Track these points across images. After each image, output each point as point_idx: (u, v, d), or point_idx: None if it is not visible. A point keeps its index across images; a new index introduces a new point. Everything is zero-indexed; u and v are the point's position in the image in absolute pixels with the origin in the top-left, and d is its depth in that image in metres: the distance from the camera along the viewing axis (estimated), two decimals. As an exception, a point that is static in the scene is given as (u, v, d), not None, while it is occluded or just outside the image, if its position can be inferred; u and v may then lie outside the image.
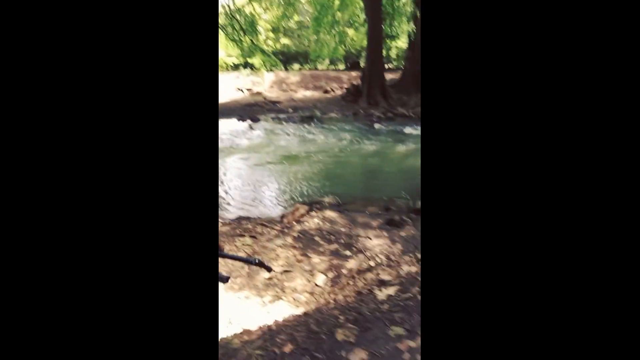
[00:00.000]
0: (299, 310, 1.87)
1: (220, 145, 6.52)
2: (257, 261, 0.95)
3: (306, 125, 7.93)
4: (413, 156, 5.32)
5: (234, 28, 9.13)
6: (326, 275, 2.26)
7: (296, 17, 13.73)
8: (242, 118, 8.70)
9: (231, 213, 3.57)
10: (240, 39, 9.24)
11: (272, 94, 11.99)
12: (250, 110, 9.68)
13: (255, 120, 8.55)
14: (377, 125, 8.04)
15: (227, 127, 7.95)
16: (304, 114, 9.01)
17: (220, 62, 14.20)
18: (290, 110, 9.70)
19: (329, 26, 10.35)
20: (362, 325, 1.57)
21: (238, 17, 9.11)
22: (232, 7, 9.06)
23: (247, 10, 10.15)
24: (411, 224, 2.98)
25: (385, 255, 2.47)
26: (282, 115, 9.04)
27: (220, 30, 10.21)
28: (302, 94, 11.98)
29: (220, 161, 5.53)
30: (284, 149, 6.13)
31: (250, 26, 9.41)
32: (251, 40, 9.23)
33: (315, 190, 4.20)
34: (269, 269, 1.00)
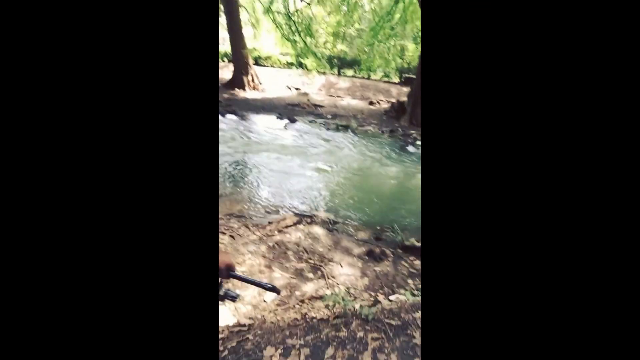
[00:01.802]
0: (232, 319, 1.90)
1: (250, 139, 6.77)
2: (270, 287, 0.94)
3: (339, 135, 7.93)
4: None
5: (290, 28, 9.39)
6: (277, 294, 2.27)
7: (357, 25, 13.74)
8: (281, 116, 8.93)
9: (227, 208, 3.70)
10: (294, 39, 9.48)
11: (318, 97, 12.14)
12: (292, 110, 9.89)
13: (292, 120, 8.73)
14: (411, 148, 7.80)
15: (264, 123, 8.22)
16: (341, 122, 9.01)
17: (274, 58, 14.69)
18: (329, 116, 9.75)
19: (385, 38, 10.22)
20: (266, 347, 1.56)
21: (296, 18, 9.35)
22: (291, 7, 9.33)
23: (307, 12, 10.37)
24: (391, 259, 2.87)
25: (345, 287, 2.41)
26: (319, 120, 9.12)
27: (276, 28, 10.57)
28: (347, 101, 11.97)
29: (244, 155, 5.75)
30: (307, 155, 6.19)
31: (307, 29, 9.61)
32: (305, 42, 9.42)
33: (316, 202, 4.20)
34: (278, 292, 1.00)
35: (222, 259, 0.96)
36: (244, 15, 12.82)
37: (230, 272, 0.96)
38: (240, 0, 11.89)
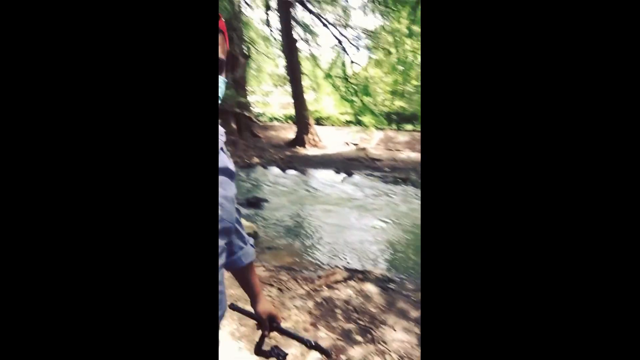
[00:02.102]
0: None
1: (309, 192, 6.95)
2: (313, 344, 0.89)
3: (398, 187, 7.73)
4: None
5: (348, 90, 10.00)
6: (321, 356, 2.07)
7: (415, 82, 14.11)
8: (338, 170, 9.13)
9: (280, 260, 3.69)
10: (352, 99, 10.02)
11: (377, 151, 12.26)
12: (350, 164, 10.07)
13: (349, 174, 8.84)
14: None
15: (322, 177, 8.45)
16: (399, 175, 8.84)
17: (334, 118, 15.54)
18: (387, 169, 9.67)
19: (443, 93, 10.22)
20: None
21: (354, 80, 9.98)
22: (349, 71, 10.03)
23: (365, 74, 11.02)
24: (455, 326, 2.48)
25: (398, 355, 2.11)
26: (377, 173, 9.08)
27: (335, 91, 11.35)
28: (407, 154, 11.84)
29: (301, 208, 5.87)
30: (364, 208, 6.08)
31: (364, 89, 10.13)
32: (362, 102, 9.88)
33: (371, 258, 3.97)
34: (328, 354, 0.94)
35: (266, 309, 0.94)
36: (306, 82, 14.14)
37: (274, 324, 0.92)
38: (303, 68, 13.23)
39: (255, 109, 17.59)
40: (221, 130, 0.77)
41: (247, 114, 12.94)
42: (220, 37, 0.65)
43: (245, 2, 13.27)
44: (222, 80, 0.67)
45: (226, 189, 0.74)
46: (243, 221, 0.92)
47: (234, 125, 11.87)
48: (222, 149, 0.77)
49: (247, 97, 14.34)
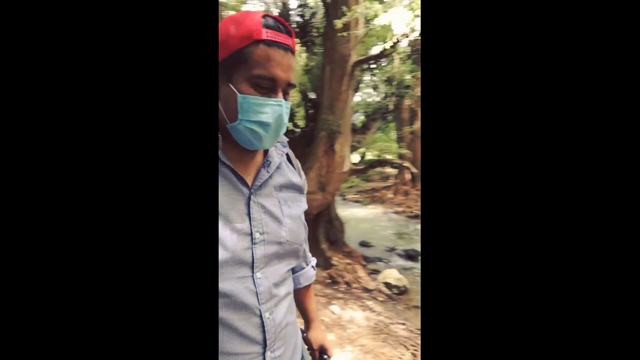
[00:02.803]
0: None
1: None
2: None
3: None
4: None
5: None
6: None
7: None
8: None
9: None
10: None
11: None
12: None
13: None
14: None
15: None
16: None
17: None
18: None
19: None
20: None
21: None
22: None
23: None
24: None
25: None
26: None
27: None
28: None
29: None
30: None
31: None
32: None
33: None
34: None
35: (319, 338, 0.90)
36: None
37: (324, 357, 0.88)
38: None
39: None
40: (283, 140, 0.72)
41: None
42: (290, 58, 0.59)
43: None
44: (285, 104, 0.60)
45: (291, 206, 0.68)
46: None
47: (407, 176, 12.09)
48: (286, 162, 0.73)
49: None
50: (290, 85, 0.60)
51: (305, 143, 4.08)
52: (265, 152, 0.68)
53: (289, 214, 0.67)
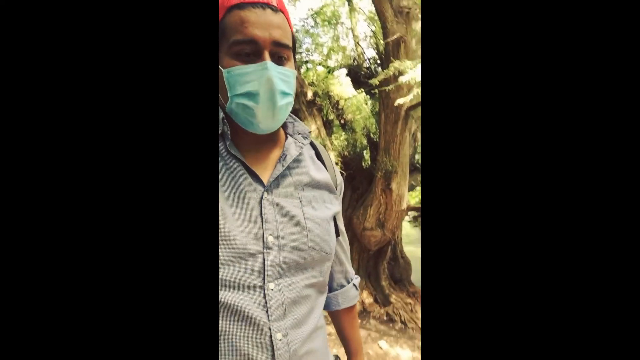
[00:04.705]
0: None
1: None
2: None
3: None
4: None
5: None
6: None
7: None
8: None
9: None
10: None
11: None
12: None
13: None
14: None
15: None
16: None
17: None
18: None
19: None
20: None
21: None
22: None
23: None
24: None
25: None
26: None
27: None
28: None
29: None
30: None
31: None
32: None
33: None
34: None
35: None
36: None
37: None
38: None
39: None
40: (304, 131, 0.63)
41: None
42: (271, 15, 0.52)
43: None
44: (274, 67, 0.52)
45: (316, 208, 0.59)
46: None
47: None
48: (312, 157, 0.65)
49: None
50: (281, 45, 0.53)
51: (368, 182, 4.36)
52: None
53: (312, 217, 0.58)
